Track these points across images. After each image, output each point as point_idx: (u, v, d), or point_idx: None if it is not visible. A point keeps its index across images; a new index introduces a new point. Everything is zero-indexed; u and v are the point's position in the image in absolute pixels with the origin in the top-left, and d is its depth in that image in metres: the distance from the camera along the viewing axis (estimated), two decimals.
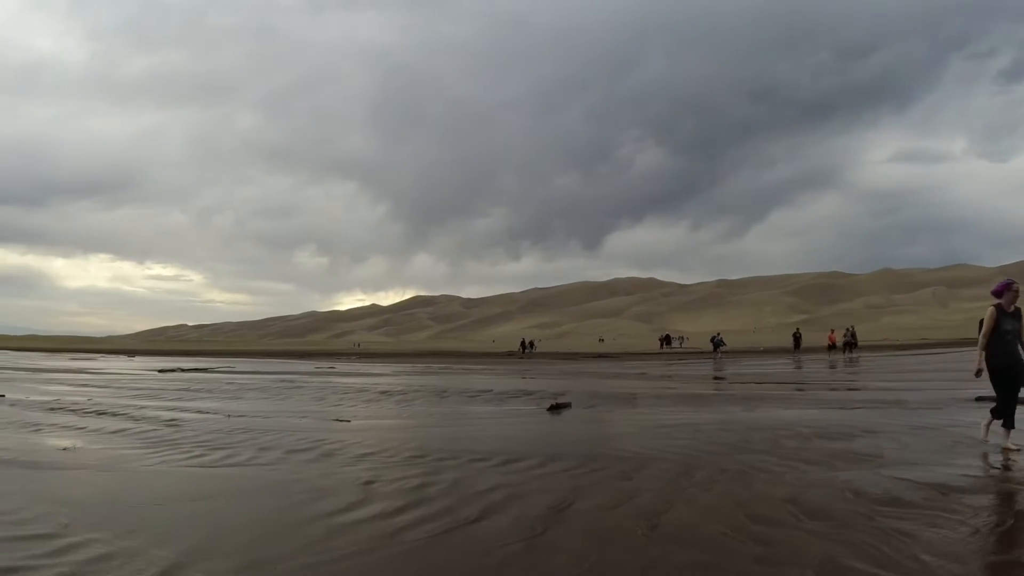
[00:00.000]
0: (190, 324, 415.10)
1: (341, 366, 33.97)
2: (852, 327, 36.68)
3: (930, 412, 9.44)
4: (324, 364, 37.48)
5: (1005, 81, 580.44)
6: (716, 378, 19.81)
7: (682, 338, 68.54)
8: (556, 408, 11.16)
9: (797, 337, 39.60)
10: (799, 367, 25.25)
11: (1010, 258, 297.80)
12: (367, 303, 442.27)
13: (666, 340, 60.60)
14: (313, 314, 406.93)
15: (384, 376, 23.45)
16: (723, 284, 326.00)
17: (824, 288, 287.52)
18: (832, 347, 35.19)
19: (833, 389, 14.48)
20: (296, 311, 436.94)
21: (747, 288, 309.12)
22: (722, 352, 38.66)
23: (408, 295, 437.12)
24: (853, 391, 13.96)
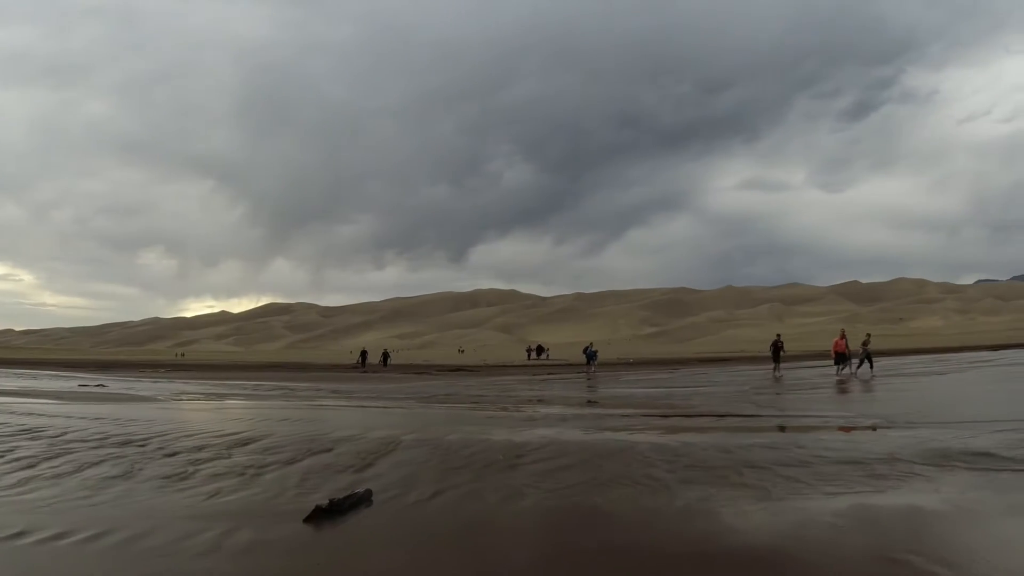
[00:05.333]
0: (17, 329, 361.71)
1: (120, 383, 25.64)
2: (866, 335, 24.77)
3: None
4: (110, 378, 28.82)
5: (846, 119, 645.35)
6: (591, 402, 14.39)
7: (546, 349, 64.42)
8: (332, 511, 4.90)
9: (778, 345, 27.17)
10: (777, 382, 20.35)
11: (839, 279, 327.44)
12: (217, 310, 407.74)
13: (537, 350, 56.04)
14: (156, 320, 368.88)
15: (135, 404, 16.03)
16: (581, 297, 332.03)
17: (673, 303, 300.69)
18: (842, 357, 23.07)
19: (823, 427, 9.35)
20: (137, 317, 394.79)
21: (603, 301, 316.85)
22: (595, 365, 34.07)
23: (263, 302, 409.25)
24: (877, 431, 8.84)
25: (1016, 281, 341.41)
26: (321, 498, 5.21)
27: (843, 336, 23.17)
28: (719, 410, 12.50)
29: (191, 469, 6.78)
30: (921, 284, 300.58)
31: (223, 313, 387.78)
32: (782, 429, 9.90)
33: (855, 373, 21.86)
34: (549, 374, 33.25)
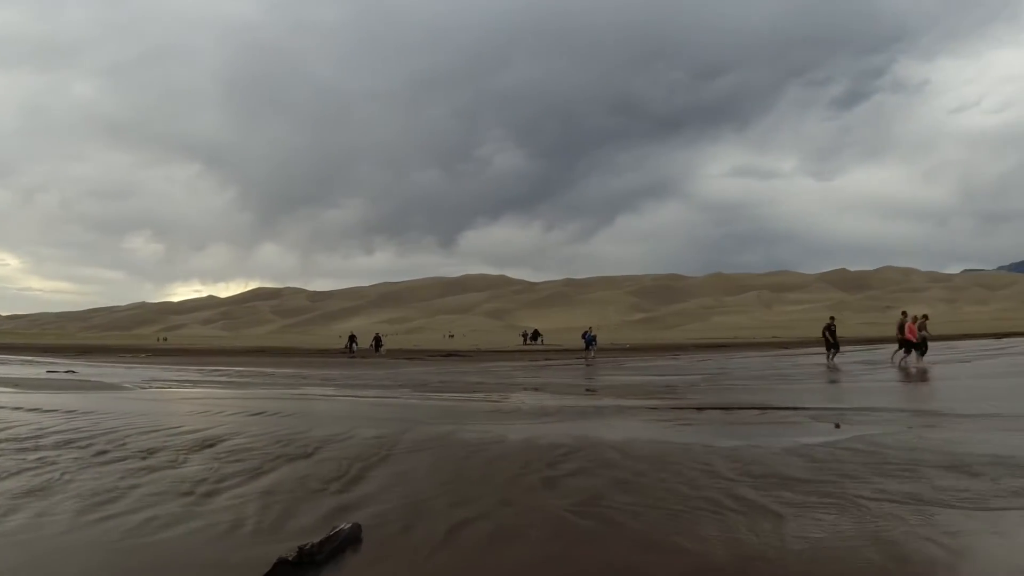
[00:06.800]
0: (3, 314, 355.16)
1: (93, 369, 23.94)
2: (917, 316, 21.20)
3: None
4: (85, 364, 27.15)
5: (837, 108, 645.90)
6: (604, 391, 12.87)
7: (541, 335, 63.08)
8: (302, 563, 3.28)
9: (832, 329, 22.86)
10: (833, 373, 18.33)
11: (826, 266, 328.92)
12: (204, 294, 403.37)
13: (533, 335, 54.57)
14: (143, 305, 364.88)
15: (98, 393, 14.46)
16: (571, 283, 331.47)
17: (663, 289, 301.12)
18: (909, 345, 19.94)
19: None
20: (125, 302, 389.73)
21: (593, 287, 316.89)
22: (595, 350, 32.64)
23: (251, 287, 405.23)
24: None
25: (1003, 271, 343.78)
26: (289, 539, 3.65)
27: (914, 320, 20.24)
28: (754, 401, 11.03)
29: (127, 484, 5.19)
30: (908, 272, 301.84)
31: (210, 298, 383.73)
32: (837, 426, 8.43)
33: (907, 360, 19.68)
34: (546, 360, 31.78)
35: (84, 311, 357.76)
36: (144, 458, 6.25)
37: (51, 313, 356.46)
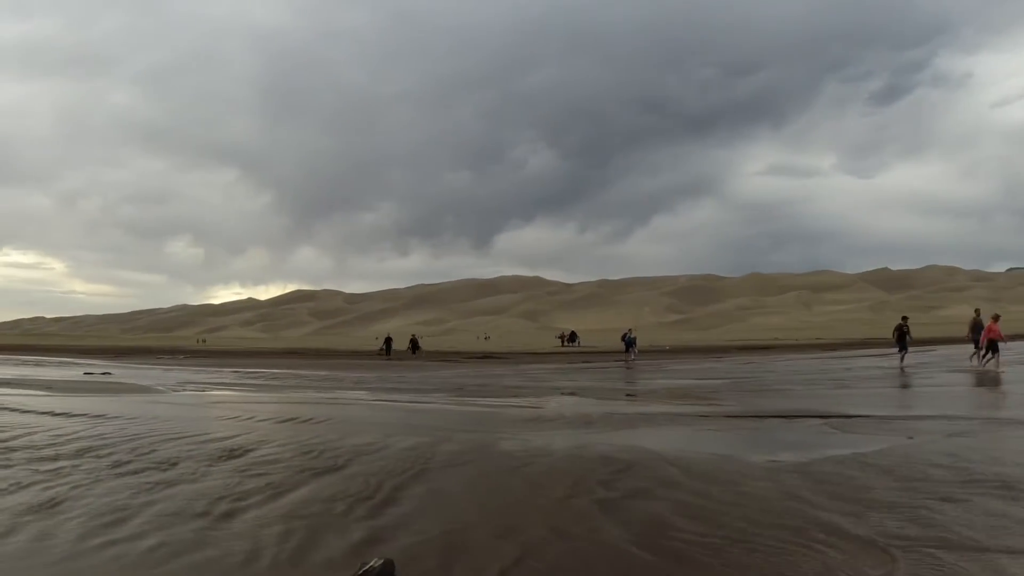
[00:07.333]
0: (48, 316, 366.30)
1: (128, 371, 24.03)
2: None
3: None
4: (121, 366, 27.39)
5: (876, 103, 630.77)
6: (648, 396, 12.16)
7: (578, 336, 62.36)
8: None
9: (904, 330, 21.69)
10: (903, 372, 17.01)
11: (868, 266, 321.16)
12: (244, 297, 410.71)
13: (569, 337, 53.82)
14: (184, 307, 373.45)
15: (128, 396, 14.30)
16: (605, 284, 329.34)
17: (699, 290, 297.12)
18: (993, 345, 18.46)
19: None
20: (166, 304, 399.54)
21: (627, 288, 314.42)
22: (635, 352, 31.83)
23: (289, 289, 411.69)
24: None
25: None
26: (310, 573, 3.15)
27: (996, 320, 18.96)
28: (813, 408, 10.24)
29: (140, 501, 4.77)
30: (951, 271, 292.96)
31: (250, 300, 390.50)
32: (911, 438, 7.64)
33: (982, 364, 18.50)
34: (584, 362, 31.07)
35: (126, 313, 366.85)
36: (164, 470, 5.86)
37: (94, 315, 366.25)
